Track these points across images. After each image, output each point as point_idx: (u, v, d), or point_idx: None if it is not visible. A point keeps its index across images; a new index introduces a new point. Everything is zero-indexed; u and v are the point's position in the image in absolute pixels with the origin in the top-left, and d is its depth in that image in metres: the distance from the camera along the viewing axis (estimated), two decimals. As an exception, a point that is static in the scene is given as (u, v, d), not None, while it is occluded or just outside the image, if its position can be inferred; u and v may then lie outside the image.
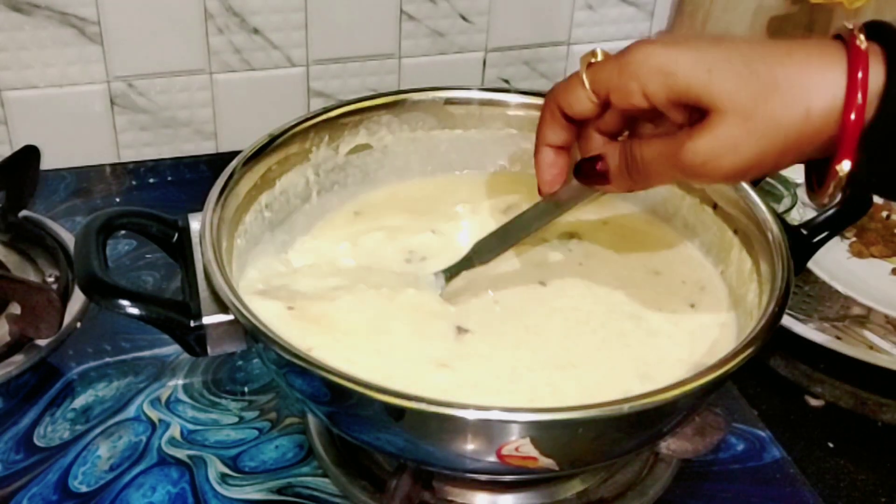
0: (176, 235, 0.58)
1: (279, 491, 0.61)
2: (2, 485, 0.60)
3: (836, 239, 0.73)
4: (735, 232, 0.62)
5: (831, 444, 0.68)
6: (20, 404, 0.66)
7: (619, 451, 0.55)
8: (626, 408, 0.47)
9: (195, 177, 0.92)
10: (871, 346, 0.73)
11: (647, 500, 0.61)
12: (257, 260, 0.62)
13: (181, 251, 0.58)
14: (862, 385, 0.72)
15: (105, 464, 0.62)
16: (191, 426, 0.65)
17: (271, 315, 0.55)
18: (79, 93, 0.88)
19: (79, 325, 0.72)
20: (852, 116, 0.46)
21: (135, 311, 0.51)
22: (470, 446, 0.49)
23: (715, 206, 0.64)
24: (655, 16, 1.01)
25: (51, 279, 0.75)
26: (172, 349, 0.70)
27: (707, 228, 0.65)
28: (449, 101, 0.69)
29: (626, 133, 0.55)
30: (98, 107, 0.89)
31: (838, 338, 0.73)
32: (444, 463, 0.53)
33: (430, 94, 0.69)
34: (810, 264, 0.70)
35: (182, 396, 0.67)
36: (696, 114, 0.48)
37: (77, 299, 0.72)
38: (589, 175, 0.54)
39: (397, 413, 0.48)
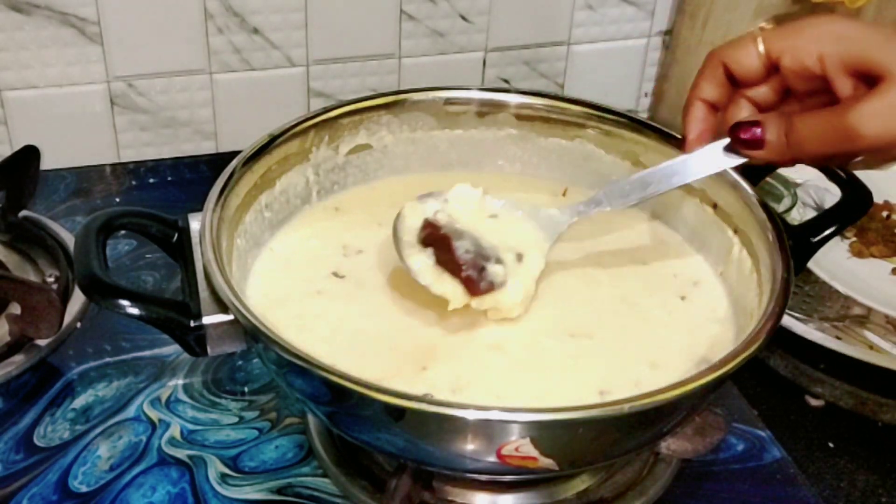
0: (176, 235, 0.58)
1: (279, 491, 0.61)
2: (2, 485, 0.60)
3: (836, 239, 0.73)
4: (735, 232, 0.62)
5: (831, 444, 0.68)
6: (20, 404, 0.66)
7: (619, 451, 0.55)
8: (626, 408, 0.47)
9: (195, 177, 0.92)
10: (871, 346, 0.73)
11: (647, 500, 0.61)
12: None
13: (181, 251, 0.57)
14: (862, 385, 0.72)
15: (105, 464, 0.62)
16: (191, 426, 0.65)
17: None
18: (79, 93, 0.88)
19: (79, 325, 0.72)
20: None
21: (135, 311, 0.51)
22: (470, 446, 0.49)
23: (715, 206, 0.64)
24: (656, 16, 1.01)
25: (51, 279, 0.75)
26: (172, 349, 0.70)
27: (707, 228, 0.65)
28: (449, 101, 0.69)
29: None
30: (98, 107, 0.89)
31: (838, 338, 0.73)
32: (444, 463, 0.53)
33: (430, 94, 0.69)
34: (810, 264, 0.70)
35: (182, 396, 0.67)
36: (862, 87, 0.51)
37: (77, 299, 0.72)
38: (744, 138, 0.54)
39: (397, 413, 0.48)
